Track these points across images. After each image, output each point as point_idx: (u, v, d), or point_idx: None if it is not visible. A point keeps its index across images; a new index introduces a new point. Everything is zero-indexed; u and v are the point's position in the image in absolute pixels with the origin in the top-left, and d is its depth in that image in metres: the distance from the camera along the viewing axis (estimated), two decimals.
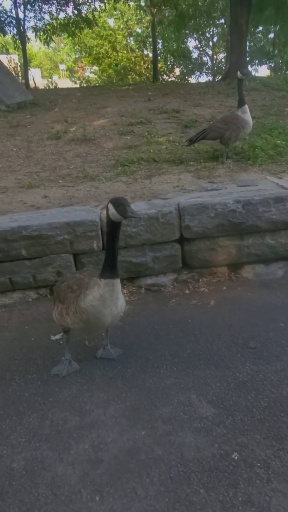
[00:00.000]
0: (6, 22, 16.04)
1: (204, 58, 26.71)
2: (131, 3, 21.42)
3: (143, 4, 22.64)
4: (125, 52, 25.72)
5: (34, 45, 31.53)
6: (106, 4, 17.39)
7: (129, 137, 6.69)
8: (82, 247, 3.65)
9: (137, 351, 2.86)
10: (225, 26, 21.63)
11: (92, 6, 16.28)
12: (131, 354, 2.83)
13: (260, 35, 22.60)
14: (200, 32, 23.00)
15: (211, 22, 21.11)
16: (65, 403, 2.38)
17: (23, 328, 3.24)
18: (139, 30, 25.78)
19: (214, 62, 26.77)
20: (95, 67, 26.81)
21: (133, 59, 25.44)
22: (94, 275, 2.49)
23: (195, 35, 24.07)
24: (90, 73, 26.35)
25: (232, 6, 11.91)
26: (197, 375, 2.58)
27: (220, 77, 16.81)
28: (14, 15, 15.65)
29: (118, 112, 8.36)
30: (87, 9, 16.48)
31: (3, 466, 1.97)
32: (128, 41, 26.39)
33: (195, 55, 26.47)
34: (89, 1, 15.89)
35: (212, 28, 23.97)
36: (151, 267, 3.83)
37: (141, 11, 23.38)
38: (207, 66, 26.59)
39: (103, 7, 17.94)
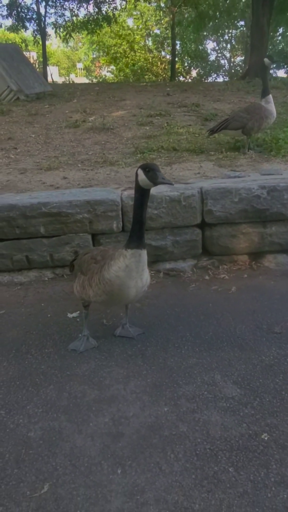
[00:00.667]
0: (27, 17, 16.13)
1: (222, 61, 26.64)
2: (152, 4, 21.47)
3: (163, 5, 22.67)
4: (142, 52, 25.73)
5: (53, 43, 31.78)
6: (127, 3, 17.38)
7: (148, 128, 6.60)
8: (101, 227, 3.56)
9: (157, 331, 2.76)
10: (244, 28, 21.55)
11: (113, 4, 16.28)
12: (150, 334, 2.72)
13: (280, 37, 22.44)
14: (219, 34, 22.94)
15: (230, 23, 21.00)
16: (83, 377, 2.28)
17: (39, 305, 3.15)
18: (158, 31, 25.80)
19: (232, 64, 26.68)
20: (112, 67, 26.87)
21: (150, 60, 25.45)
22: (118, 247, 2.39)
23: (213, 37, 23.99)
24: (107, 72, 26.45)
25: (254, 5, 11.81)
26: (220, 356, 2.46)
27: (238, 78, 16.68)
28: (36, 10, 15.71)
29: (136, 105, 8.29)
30: (108, 7, 16.49)
31: (19, 435, 1.87)
32: (146, 41, 26.42)
33: (212, 57, 26.41)
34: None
35: (231, 31, 23.87)
36: (170, 251, 3.72)
37: (161, 12, 23.38)
38: (224, 68, 26.51)
39: (124, 6, 17.95)
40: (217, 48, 25.97)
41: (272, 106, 5.08)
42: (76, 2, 16.36)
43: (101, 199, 3.51)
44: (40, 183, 4.17)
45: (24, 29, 17.23)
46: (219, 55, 26.45)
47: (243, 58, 24.27)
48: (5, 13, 16.30)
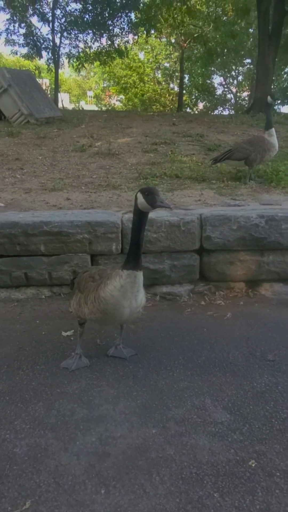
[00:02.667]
0: (42, 46, 16.81)
1: (228, 95, 27.51)
2: (163, 39, 22.39)
3: (173, 40, 23.64)
4: (151, 83, 26.63)
5: (66, 71, 32.93)
6: (138, 38, 18.14)
7: (152, 155, 6.78)
8: (100, 248, 3.61)
9: (150, 353, 2.76)
10: (251, 66, 22.38)
11: (125, 38, 16.99)
12: (143, 356, 2.72)
13: (286, 75, 23.27)
14: (226, 70, 23.81)
15: (237, 60, 21.83)
16: (73, 395, 2.27)
17: (34, 322, 3.17)
18: (167, 65, 26.79)
19: (238, 99, 27.54)
20: (122, 96, 27.75)
21: (159, 91, 26.30)
22: (117, 267, 2.43)
23: (221, 72, 24.88)
24: (116, 101, 27.32)
25: (261, 44, 12.32)
26: (212, 381, 2.45)
27: (242, 112, 17.18)
28: (51, 40, 16.39)
29: (142, 133, 8.54)
30: (120, 40, 17.20)
31: (4, 450, 1.86)
32: (156, 74, 27.39)
33: (219, 91, 27.28)
34: (123, 33, 16.58)
35: (238, 67, 24.80)
36: (167, 275, 3.76)
37: (171, 47, 24.35)
38: (230, 102, 27.35)
39: (136, 40, 18.72)
40: (224, 83, 26.90)
41: (274, 139, 5.23)
42: (90, 34, 17.08)
43: (101, 221, 3.58)
44: (43, 203, 4.26)
45: (39, 58, 17.91)
46: (226, 89, 27.38)
47: (249, 93, 25.06)
48: (22, 41, 17.03)
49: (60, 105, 17.84)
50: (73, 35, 16.84)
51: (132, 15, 15.22)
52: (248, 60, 22.12)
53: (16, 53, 18.35)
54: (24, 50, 19.27)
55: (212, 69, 23.62)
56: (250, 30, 18.83)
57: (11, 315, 3.28)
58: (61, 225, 3.51)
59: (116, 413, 2.13)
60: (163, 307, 3.56)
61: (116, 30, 16.11)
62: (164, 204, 2.16)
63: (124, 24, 15.63)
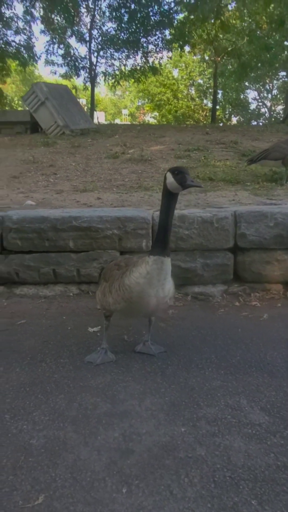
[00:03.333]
0: (80, 65, 17.37)
1: (262, 109, 27.25)
2: (197, 56, 22.60)
3: (207, 57, 23.83)
4: (185, 100, 26.84)
5: (102, 91, 33.93)
6: (173, 54, 18.38)
7: (185, 160, 6.67)
8: (130, 245, 3.49)
9: (180, 351, 2.57)
10: (286, 78, 22.11)
11: (160, 55, 17.25)
12: (172, 353, 2.54)
13: None
14: (260, 83, 23.65)
15: (272, 73, 21.63)
16: (96, 389, 2.12)
17: (60, 318, 3.06)
18: (201, 81, 26.96)
19: (272, 113, 27.19)
20: (156, 113, 28.12)
21: (192, 107, 26.43)
22: (144, 256, 2.30)
23: (255, 86, 24.72)
24: (150, 117, 27.72)
25: None
26: (248, 381, 2.23)
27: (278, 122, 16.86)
28: (88, 59, 16.90)
29: (175, 141, 8.48)
30: (154, 57, 17.47)
31: (20, 441, 1.72)
32: (190, 90, 27.62)
33: (253, 105, 27.08)
34: (157, 50, 16.84)
35: (272, 81, 24.56)
36: (200, 275, 3.57)
37: (205, 63, 24.52)
38: (264, 116, 27.03)
39: (170, 57, 18.99)
40: (258, 97, 26.69)
41: None
42: (125, 53, 17.47)
43: (131, 216, 3.47)
44: (74, 201, 4.22)
45: (76, 76, 18.50)
46: (260, 103, 27.14)
47: (283, 106, 24.69)
48: (60, 61, 17.69)
49: (95, 121, 18.26)
50: (109, 54, 17.33)
51: (167, 32, 15.50)
52: (283, 73, 21.91)
53: (55, 73, 19.07)
54: (62, 70, 19.96)
55: (246, 83, 23.52)
56: (285, 43, 18.65)
57: (38, 310, 3.20)
58: (90, 220, 3.43)
59: (142, 409, 1.96)
60: (195, 307, 3.36)
61: (151, 47, 16.43)
62: (194, 183, 2.02)
63: (158, 41, 15.92)
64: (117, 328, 2.85)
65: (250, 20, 16.43)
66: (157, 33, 15.55)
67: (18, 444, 1.71)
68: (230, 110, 26.11)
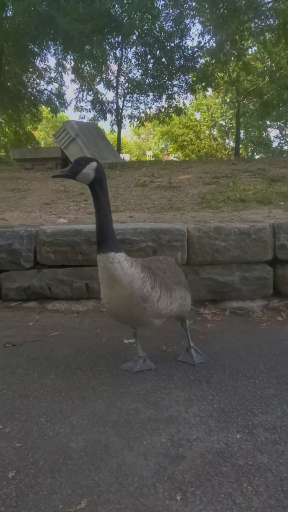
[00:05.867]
0: (107, 110, 18.22)
1: (285, 147, 27.52)
2: (218, 100, 23.38)
3: (228, 100, 24.62)
4: (208, 140, 27.50)
5: (127, 135, 35.35)
6: (196, 96, 19.04)
7: (214, 186, 6.64)
8: None
9: (224, 361, 2.37)
10: None
11: (184, 96, 17.90)
12: (216, 363, 2.34)
13: None
14: (282, 121, 24.05)
15: None
16: (137, 395, 1.94)
17: (94, 330, 2.93)
18: (223, 122, 27.72)
19: None
20: (179, 154, 28.86)
21: (215, 146, 27.00)
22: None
23: (276, 124, 25.16)
24: (174, 157, 28.49)
25: None
26: None
27: None
28: (115, 103, 17.72)
29: (202, 171, 8.52)
30: (178, 98, 18.13)
31: (58, 444, 1.56)
32: (212, 131, 28.37)
33: (275, 143, 27.42)
34: (181, 91, 17.50)
35: None
36: (238, 289, 3.39)
37: (226, 105, 25.29)
38: (286, 155, 27.23)
39: (194, 99, 19.67)
40: (280, 135, 27.09)
41: None
42: (150, 96, 18.21)
43: (166, 228, 3.39)
44: None
45: (104, 120, 19.35)
46: (282, 141, 27.48)
47: None
48: (89, 107, 18.64)
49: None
50: (134, 98, 18.14)
51: (190, 75, 16.16)
52: None
53: (84, 118, 20.03)
54: (91, 115, 20.96)
55: (268, 122, 23.98)
56: None
57: (71, 324, 3.07)
58: (125, 232, 3.36)
59: (189, 415, 1.76)
60: (234, 321, 3.16)
61: (175, 89, 17.12)
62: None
63: (182, 83, 16.59)
64: (155, 340, 2.68)
65: (271, 61, 16.96)
66: (181, 76, 16.25)
67: (55, 447, 1.54)
68: (253, 148, 26.53)
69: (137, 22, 13.12)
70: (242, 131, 25.80)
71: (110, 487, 1.33)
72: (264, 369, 2.26)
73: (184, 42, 15.21)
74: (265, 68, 18.84)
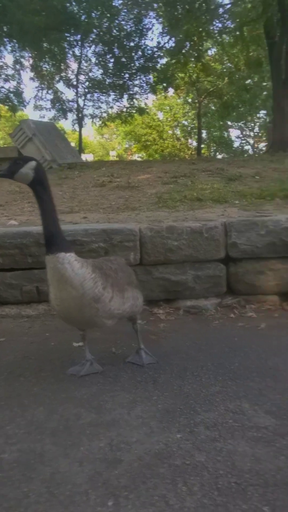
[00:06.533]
0: (67, 109, 17.97)
1: (246, 147, 28.25)
2: (180, 100, 23.62)
3: (190, 100, 24.94)
4: (171, 140, 27.75)
5: (90, 135, 35.01)
6: (157, 96, 19.14)
7: (172, 185, 6.68)
8: None
9: (173, 360, 2.36)
10: (267, 118, 23.08)
11: (145, 96, 17.94)
12: (165, 362, 2.33)
13: None
14: (242, 122, 24.66)
15: (253, 112, 22.61)
16: (81, 400, 1.89)
17: (43, 335, 2.85)
18: (185, 122, 28.05)
19: (255, 150, 28.17)
20: (143, 154, 28.94)
21: (178, 146, 27.28)
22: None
23: (237, 125, 25.75)
24: (137, 157, 28.53)
25: (275, 89, 12.68)
26: (249, 386, 2.02)
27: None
28: (75, 102, 17.52)
29: (162, 170, 8.55)
30: (139, 99, 18.16)
31: None
32: (175, 131, 28.65)
33: (237, 143, 28.08)
34: (142, 92, 17.54)
35: (254, 119, 25.62)
36: (191, 287, 3.40)
37: (188, 106, 25.61)
38: (248, 154, 27.93)
39: (155, 99, 19.75)
40: (241, 135, 27.76)
41: None
42: (111, 96, 18.13)
43: (118, 228, 3.35)
44: (59, 221, 4.10)
45: (65, 119, 19.09)
46: (243, 141, 28.18)
47: (266, 143, 25.60)
48: (48, 106, 18.31)
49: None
50: (96, 97, 17.99)
51: (151, 75, 16.21)
52: (264, 112, 22.91)
53: (44, 117, 19.65)
54: (51, 114, 20.58)
55: (229, 122, 24.51)
56: (263, 84, 19.62)
57: (20, 329, 2.98)
58: (75, 233, 3.29)
59: (131, 417, 1.73)
60: (188, 320, 3.17)
61: (136, 89, 17.13)
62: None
63: (143, 83, 16.64)
64: (105, 342, 2.64)
65: (229, 62, 17.32)
66: (142, 76, 16.28)
67: None
68: (215, 148, 27.03)
69: (96, 20, 13.02)
70: (204, 131, 26.23)
71: (40, 498, 1.27)
72: (212, 366, 2.27)
73: (143, 41, 15.24)
74: (225, 70, 19.22)
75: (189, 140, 27.51)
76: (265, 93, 20.42)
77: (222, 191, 5.80)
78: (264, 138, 26.69)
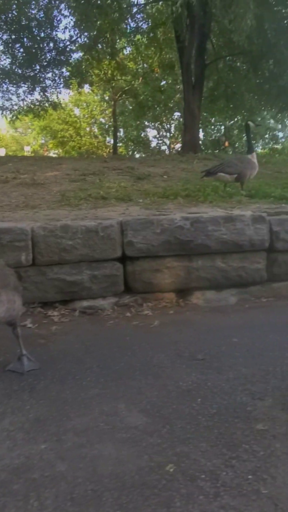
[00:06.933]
0: None
1: (163, 147, 28.99)
2: (97, 97, 23.43)
3: (107, 98, 24.89)
4: (88, 137, 27.44)
5: (2, 128, 33.17)
6: (72, 92, 18.74)
7: (79, 183, 6.56)
8: (7, 259, 3.15)
9: (58, 365, 2.28)
10: (181, 118, 23.90)
11: (59, 90, 17.39)
12: (49, 368, 2.23)
13: (214, 128, 25.11)
14: (158, 122, 25.26)
15: (168, 112, 23.29)
16: None
17: None
18: (103, 120, 27.93)
19: (171, 150, 29.04)
20: (60, 150, 28.21)
21: (96, 144, 27.07)
22: None
23: (154, 125, 26.30)
24: (53, 154, 27.72)
25: (185, 92, 13.16)
26: (129, 385, 2.02)
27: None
28: None
29: (72, 168, 8.38)
30: (53, 93, 17.57)
31: None
32: (92, 128, 28.39)
33: (154, 143, 28.70)
34: (55, 86, 17.00)
35: (169, 120, 26.39)
36: (88, 287, 3.35)
37: (105, 103, 25.53)
38: (164, 154, 28.69)
39: (69, 93, 19.32)
40: (157, 135, 28.42)
41: (256, 161, 5.37)
42: (23, 88, 17.27)
43: (8, 228, 3.17)
44: None
45: None
46: (160, 141, 28.90)
47: (182, 144, 26.55)
48: None
49: None
50: (4, 88, 17.00)
51: (64, 69, 15.80)
52: (178, 113, 23.70)
53: None
54: None
55: (146, 122, 24.95)
56: (177, 86, 20.28)
57: None
58: None
59: None
60: (82, 321, 3.11)
61: (49, 82, 16.56)
62: None
63: (56, 76, 16.14)
64: None
65: (143, 63, 17.59)
66: (55, 69, 15.78)
67: None
68: (133, 147, 27.34)
69: (2, 6, 12.32)
70: (121, 130, 26.38)
71: None
72: (97, 368, 2.23)
73: (55, 33, 14.75)
74: (139, 70, 19.49)
75: (107, 138, 27.49)
76: (178, 95, 21.14)
77: (128, 190, 5.84)
78: (179, 140, 27.69)
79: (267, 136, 27.12)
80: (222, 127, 24.81)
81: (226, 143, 24.18)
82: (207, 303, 3.58)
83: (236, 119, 18.66)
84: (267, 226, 3.75)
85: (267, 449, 1.49)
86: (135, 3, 14.75)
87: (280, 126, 25.83)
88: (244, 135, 13.68)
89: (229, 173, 5.29)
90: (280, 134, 28.41)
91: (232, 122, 20.78)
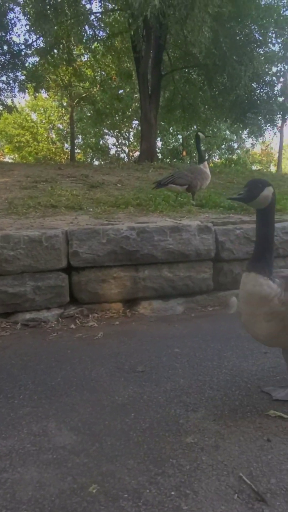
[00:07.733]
0: None
1: (122, 155, 29.07)
2: (55, 102, 23.12)
3: (65, 104, 24.63)
4: (46, 143, 27.00)
5: None
6: (28, 96, 18.39)
7: (30, 190, 6.42)
8: None
9: None
10: (139, 127, 24.13)
11: (13, 93, 16.99)
12: None
13: (172, 137, 25.49)
14: (117, 130, 25.33)
15: (126, 120, 23.40)
16: None
17: None
18: (61, 126, 27.61)
19: (130, 158, 29.20)
20: (15, 155, 27.52)
21: (53, 150, 26.68)
22: None
23: (113, 133, 26.32)
24: (9, 159, 26.99)
25: (142, 101, 13.28)
26: (63, 402, 1.97)
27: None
28: None
29: (24, 174, 8.19)
30: (7, 96, 17.13)
31: None
32: (50, 134, 27.96)
33: (113, 151, 28.71)
34: (9, 89, 16.61)
35: (128, 128, 26.51)
36: (31, 299, 3.26)
37: (63, 109, 25.27)
38: (123, 161, 28.78)
39: (25, 97, 18.93)
40: (116, 143, 28.47)
41: (208, 171, 5.40)
42: None
43: None
44: None
45: None
46: (119, 149, 28.96)
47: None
48: None
49: None
50: None
51: (19, 73, 15.48)
52: (136, 122, 23.89)
53: None
54: None
55: (105, 130, 24.93)
56: (135, 95, 20.47)
57: None
58: None
59: None
60: (24, 334, 3.02)
61: (3, 86, 16.13)
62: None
63: (10, 80, 15.77)
64: None
65: (101, 71, 17.61)
66: (9, 73, 15.42)
67: None
68: (92, 154, 27.20)
69: None
70: (80, 137, 26.18)
71: None
72: (32, 385, 2.16)
73: (9, 36, 14.44)
74: (97, 77, 19.49)
75: (66, 145, 27.16)
76: (136, 104, 21.33)
77: (79, 198, 5.78)
78: (138, 148, 27.89)
79: (223, 146, 27.93)
80: (180, 136, 25.26)
81: (184, 153, 24.67)
82: (154, 313, 3.59)
83: (192, 129, 19.05)
84: (213, 236, 3.83)
85: (193, 462, 1.49)
86: (93, 11, 14.79)
87: (235, 137, 26.75)
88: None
89: (180, 184, 5.37)
90: (235, 145, 29.41)
91: (189, 132, 21.19)
